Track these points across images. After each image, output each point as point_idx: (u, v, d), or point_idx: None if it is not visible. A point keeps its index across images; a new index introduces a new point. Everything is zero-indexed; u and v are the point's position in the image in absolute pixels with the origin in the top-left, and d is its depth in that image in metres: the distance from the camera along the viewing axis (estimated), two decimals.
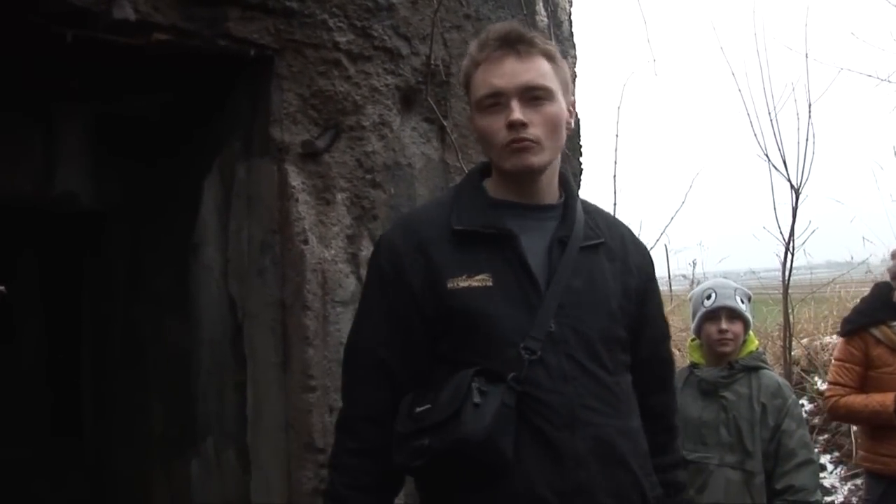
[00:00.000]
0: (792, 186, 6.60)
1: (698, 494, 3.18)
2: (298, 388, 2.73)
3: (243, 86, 2.88)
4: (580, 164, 3.74)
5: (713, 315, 3.28)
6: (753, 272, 10.53)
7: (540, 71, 1.85)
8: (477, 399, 1.73)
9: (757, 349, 3.37)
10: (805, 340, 8.06)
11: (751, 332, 3.37)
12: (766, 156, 6.70)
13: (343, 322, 2.74)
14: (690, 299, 3.49)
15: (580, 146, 3.73)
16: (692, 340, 3.47)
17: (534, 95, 1.83)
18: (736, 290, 3.33)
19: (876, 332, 3.78)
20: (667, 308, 8.91)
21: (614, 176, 6.11)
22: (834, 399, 3.91)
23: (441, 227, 1.87)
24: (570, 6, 3.80)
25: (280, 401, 2.78)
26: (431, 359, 1.85)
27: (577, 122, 3.73)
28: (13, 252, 4.43)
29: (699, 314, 3.33)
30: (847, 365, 3.86)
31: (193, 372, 3.17)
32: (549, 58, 1.88)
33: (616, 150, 6.24)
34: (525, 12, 3.45)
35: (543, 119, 1.84)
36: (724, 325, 3.25)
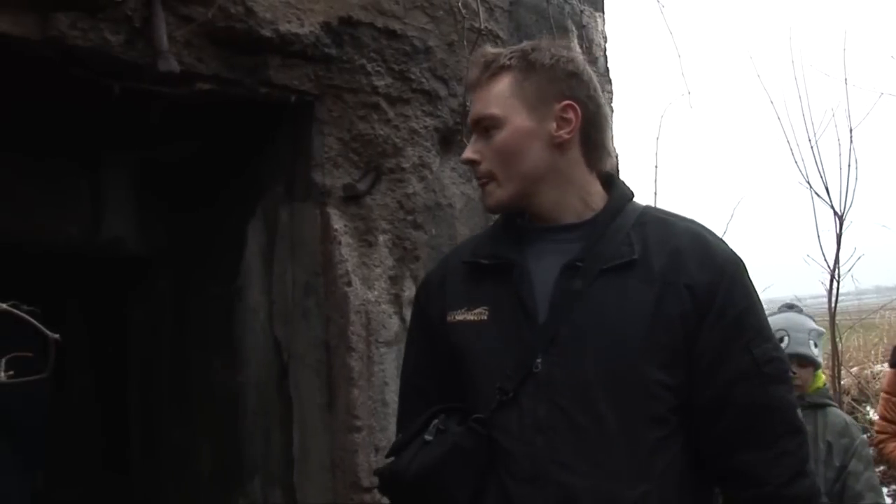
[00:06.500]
0: (835, 213, 6.53)
1: None
2: (344, 428, 2.75)
3: (284, 130, 2.93)
4: None
5: None
6: (799, 299, 10.38)
7: (490, 97, 1.70)
8: (429, 436, 1.62)
9: (824, 385, 3.31)
10: (855, 369, 7.93)
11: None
12: (808, 183, 6.64)
13: (387, 362, 2.76)
14: None
15: None
16: None
17: (484, 127, 1.71)
18: (810, 332, 3.24)
19: None
20: None
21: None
22: (880, 439, 3.81)
23: (462, 258, 1.79)
24: (605, 42, 3.83)
25: (326, 441, 2.80)
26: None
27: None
28: (60, 298, 4.50)
29: None
30: (894, 399, 3.76)
31: (240, 413, 3.19)
32: (513, 70, 1.69)
33: (656, 181, 6.21)
34: None
35: (493, 151, 1.69)
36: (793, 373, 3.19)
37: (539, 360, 1.58)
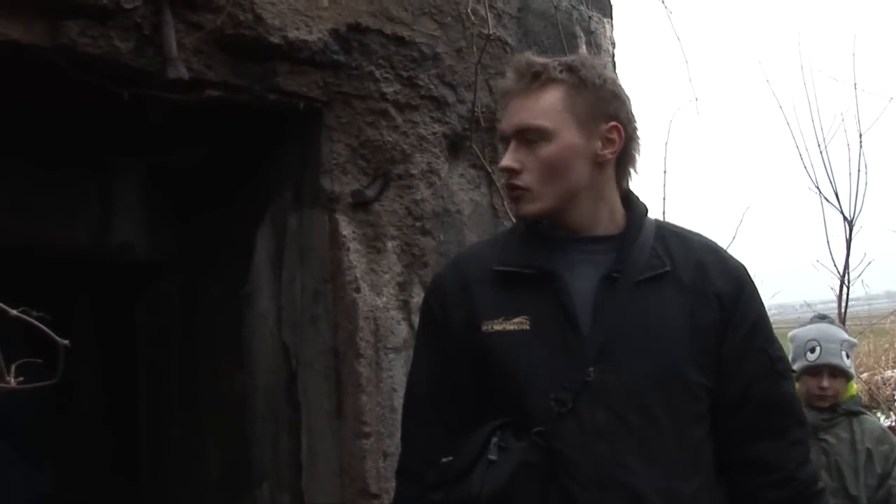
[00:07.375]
0: (845, 218, 6.51)
1: None
2: (352, 434, 2.75)
3: (293, 137, 2.93)
4: None
5: (816, 371, 3.19)
6: (808, 305, 10.36)
7: (538, 108, 1.70)
8: (493, 455, 1.62)
9: (856, 394, 3.30)
10: (865, 375, 7.89)
11: None
12: (818, 188, 6.62)
13: (395, 369, 2.76)
14: (792, 340, 3.34)
15: None
16: None
17: (527, 137, 1.70)
18: (842, 343, 3.23)
19: None
20: None
21: (664, 213, 6.07)
22: None
23: (486, 266, 1.76)
24: (613, 48, 3.83)
25: (334, 447, 2.80)
26: (483, 401, 1.73)
27: None
28: (70, 303, 4.51)
29: (801, 365, 3.22)
30: None
31: (248, 418, 3.20)
32: (565, 84, 1.71)
33: (664, 186, 6.19)
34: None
35: (538, 163, 1.69)
36: (825, 383, 3.17)
37: (591, 370, 1.63)
